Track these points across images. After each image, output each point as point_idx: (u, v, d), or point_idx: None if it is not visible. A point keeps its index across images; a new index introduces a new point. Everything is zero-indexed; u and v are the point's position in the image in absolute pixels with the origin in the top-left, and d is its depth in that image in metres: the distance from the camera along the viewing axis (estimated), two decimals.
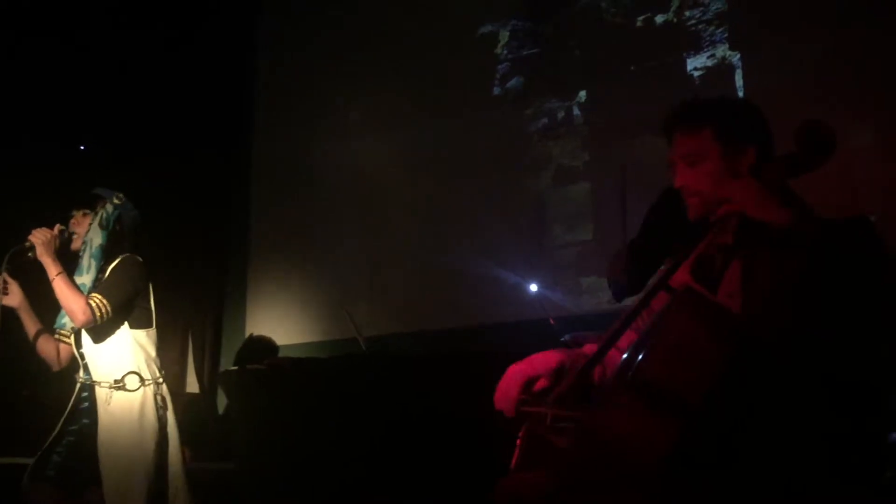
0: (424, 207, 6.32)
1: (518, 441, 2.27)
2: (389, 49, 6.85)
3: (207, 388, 7.61)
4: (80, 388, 3.82)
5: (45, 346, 3.92)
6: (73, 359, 3.90)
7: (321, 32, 7.50)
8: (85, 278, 3.76)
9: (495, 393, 2.30)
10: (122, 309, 3.76)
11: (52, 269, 3.66)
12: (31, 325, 3.92)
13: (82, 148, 7.34)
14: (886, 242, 1.97)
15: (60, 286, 3.65)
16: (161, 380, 3.86)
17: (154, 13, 7.40)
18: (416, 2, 6.76)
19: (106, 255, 3.82)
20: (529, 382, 2.27)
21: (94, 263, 3.78)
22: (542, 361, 2.31)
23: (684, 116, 2.32)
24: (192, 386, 7.63)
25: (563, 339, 3.79)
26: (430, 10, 6.54)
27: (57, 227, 3.76)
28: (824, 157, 2.08)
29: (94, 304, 3.63)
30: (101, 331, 3.72)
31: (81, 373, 3.83)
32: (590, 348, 2.51)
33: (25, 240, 3.69)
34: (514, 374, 2.29)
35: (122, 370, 3.74)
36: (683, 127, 2.30)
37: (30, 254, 3.69)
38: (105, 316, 3.66)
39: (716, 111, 2.28)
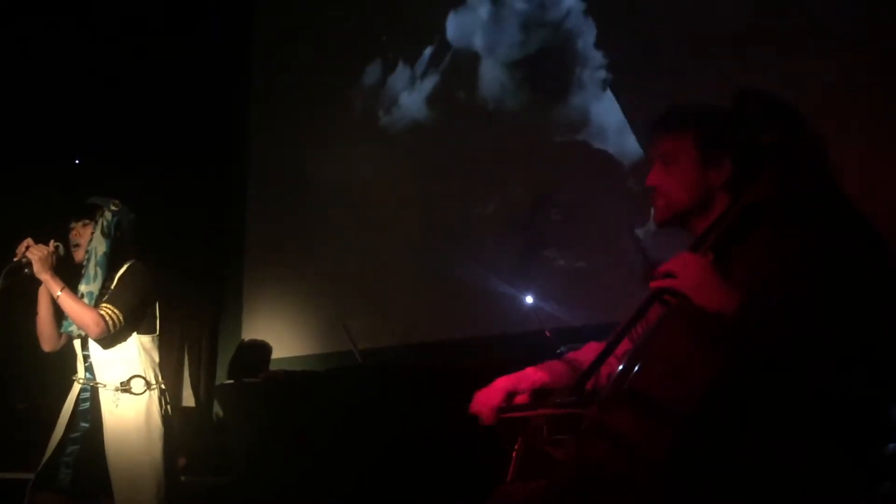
0: (421, 218, 6.32)
1: (514, 454, 2.29)
2: (385, 55, 6.87)
3: (203, 402, 7.60)
4: (80, 390, 3.82)
5: (49, 324, 3.89)
6: (63, 360, 3.90)
7: (317, 39, 7.52)
8: (92, 286, 3.76)
9: (475, 398, 2.46)
10: (133, 316, 3.77)
11: (55, 286, 3.67)
12: (46, 297, 3.85)
13: (77, 162, 7.34)
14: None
15: (67, 302, 3.66)
16: (164, 385, 3.88)
17: (149, 21, 7.42)
18: (411, 8, 6.77)
19: (111, 263, 3.83)
20: (511, 395, 2.43)
21: (100, 272, 3.79)
22: (528, 379, 2.45)
23: (670, 117, 2.33)
24: (188, 399, 7.62)
25: (558, 350, 3.80)
26: (425, 16, 6.56)
27: (52, 244, 3.76)
28: (817, 171, 2.09)
29: (106, 315, 3.65)
30: (111, 337, 3.73)
31: (83, 374, 3.82)
32: (590, 348, 2.56)
33: (21, 256, 3.69)
34: (500, 385, 2.44)
35: (128, 374, 3.76)
36: (667, 126, 2.31)
37: (26, 270, 3.69)
38: (117, 325, 3.68)
39: (701, 117, 2.28)
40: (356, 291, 6.68)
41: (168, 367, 7.26)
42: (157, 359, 3.89)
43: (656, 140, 2.33)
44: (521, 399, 2.43)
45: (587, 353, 2.59)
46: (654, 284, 2.07)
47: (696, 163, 2.23)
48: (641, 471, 1.84)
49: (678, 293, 2.02)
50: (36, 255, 3.68)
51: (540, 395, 2.41)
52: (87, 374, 3.81)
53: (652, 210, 2.36)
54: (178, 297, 7.45)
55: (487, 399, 2.43)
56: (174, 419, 3.90)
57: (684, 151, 2.25)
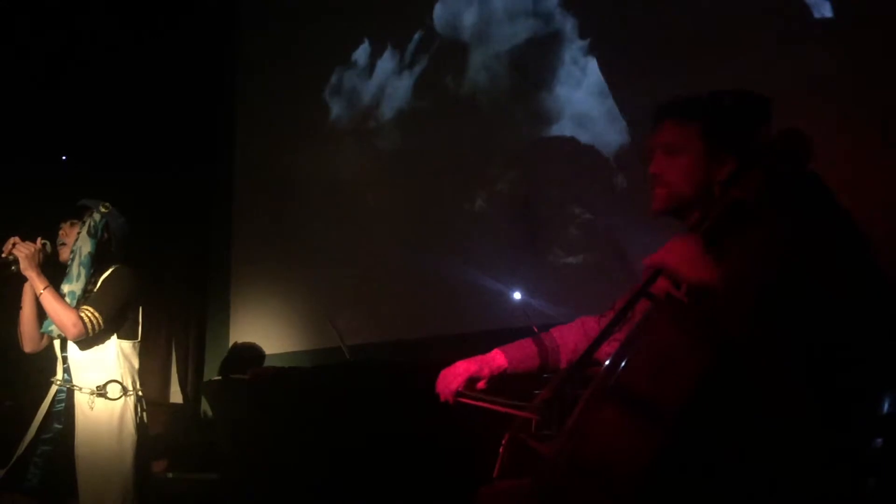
0: (408, 215, 6.32)
1: (501, 449, 2.29)
2: (371, 57, 6.86)
3: (191, 398, 7.60)
4: (56, 391, 3.80)
5: (31, 324, 3.88)
6: (48, 359, 3.89)
7: (301, 43, 7.51)
8: (75, 286, 3.75)
9: (440, 375, 2.59)
10: (114, 320, 3.76)
11: (39, 284, 3.66)
12: (30, 296, 3.86)
13: (63, 158, 7.32)
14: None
15: (49, 300, 3.65)
16: (141, 392, 3.86)
17: (134, 26, 7.41)
18: (392, 8, 6.77)
19: (96, 264, 3.81)
20: (473, 380, 2.54)
21: (83, 271, 3.77)
22: (489, 366, 2.57)
23: (677, 106, 2.32)
24: (176, 396, 7.62)
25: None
26: (409, 13, 6.55)
27: (39, 241, 3.76)
28: (802, 167, 2.09)
29: (85, 317, 3.64)
30: (90, 340, 3.72)
31: (61, 375, 3.81)
32: (557, 333, 2.57)
33: (9, 253, 3.69)
34: (461, 370, 2.56)
35: (105, 378, 3.74)
36: (673, 116, 2.30)
37: (13, 268, 3.69)
38: (97, 328, 3.67)
39: (709, 109, 2.27)
40: (344, 287, 6.67)
41: (156, 364, 7.29)
42: (136, 365, 3.87)
43: (661, 127, 2.31)
44: (480, 385, 2.55)
45: (574, 330, 2.62)
46: (646, 260, 2.12)
47: (701, 156, 2.23)
48: (627, 471, 1.84)
49: (669, 270, 2.05)
50: (23, 252, 3.67)
51: (500, 381, 2.52)
52: (65, 375, 3.80)
53: (650, 198, 2.36)
54: (165, 294, 7.46)
55: (448, 382, 2.55)
56: (160, 421, 3.89)
57: (690, 142, 2.24)
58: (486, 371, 2.55)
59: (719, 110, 2.25)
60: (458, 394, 2.52)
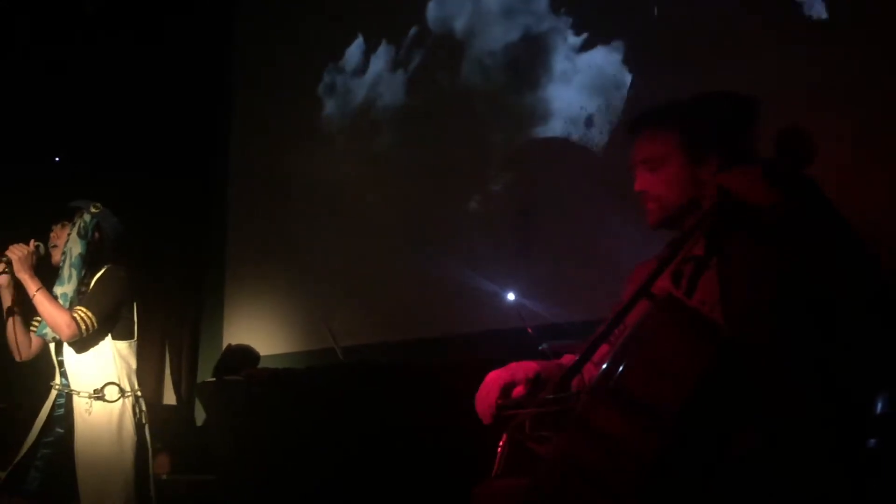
0: (402, 215, 6.30)
1: (499, 449, 2.28)
2: (364, 56, 6.85)
3: (185, 400, 7.59)
4: (56, 396, 3.79)
5: (18, 333, 3.86)
6: (41, 361, 3.88)
7: (296, 42, 7.50)
8: (66, 288, 3.74)
9: (476, 398, 2.35)
10: (107, 320, 3.74)
11: (32, 286, 3.65)
12: (10, 305, 3.85)
13: (56, 160, 7.31)
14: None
15: (42, 302, 3.64)
16: (139, 392, 3.84)
17: (130, 27, 7.41)
18: (388, 8, 6.76)
19: (87, 265, 3.80)
20: (507, 388, 2.33)
21: (74, 273, 3.76)
22: (522, 369, 2.37)
23: (649, 120, 2.32)
24: (170, 398, 7.61)
25: (540, 347, 3.78)
26: (404, 10, 6.55)
27: (32, 243, 3.75)
28: (804, 166, 2.08)
29: (79, 318, 3.63)
30: (84, 341, 3.71)
31: (59, 380, 3.80)
32: (568, 359, 2.54)
33: (2, 255, 3.68)
34: (493, 381, 2.34)
35: (102, 380, 3.73)
36: (647, 131, 2.30)
37: (6, 270, 3.67)
38: (91, 328, 3.65)
39: (681, 117, 2.27)
40: (338, 289, 6.66)
41: (150, 365, 7.28)
42: (133, 365, 3.86)
43: (638, 146, 2.31)
44: (518, 391, 2.35)
45: (566, 361, 2.59)
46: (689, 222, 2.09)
47: (682, 163, 2.23)
48: (625, 472, 1.83)
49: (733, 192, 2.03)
50: (16, 254, 3.66)
51: (536, 385, 2.35)
52: (63, 379, 3.79)
53: (644, 214, 2.35)
54: (160, 295, 7.44)
55: (485, 396, 2.33)
56: (154, 422, 3.88)
57: (669, 154, 2.25)
58: (520, 374, 2.35)
59: (691, 114, 2.26)
60: (498, 407, 2.30)
